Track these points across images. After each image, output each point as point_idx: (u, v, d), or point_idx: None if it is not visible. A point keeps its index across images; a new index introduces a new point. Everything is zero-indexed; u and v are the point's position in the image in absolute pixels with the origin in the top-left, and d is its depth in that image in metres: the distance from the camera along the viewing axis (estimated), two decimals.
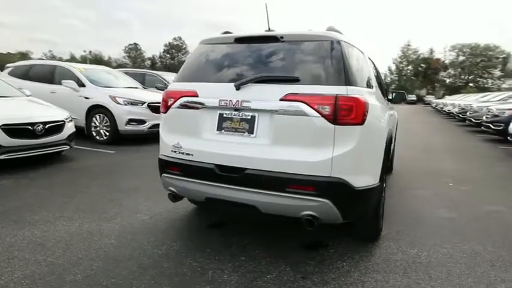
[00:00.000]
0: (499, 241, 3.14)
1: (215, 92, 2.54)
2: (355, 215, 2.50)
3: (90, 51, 73.62)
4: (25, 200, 3.79)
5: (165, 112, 2.81)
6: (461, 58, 58.15)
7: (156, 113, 7.64)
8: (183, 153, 2.63)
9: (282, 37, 2.55)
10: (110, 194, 4.11)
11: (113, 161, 5.96)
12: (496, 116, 9.96)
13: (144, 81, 10.78)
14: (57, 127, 5.46)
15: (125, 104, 7.38)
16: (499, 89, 44.97)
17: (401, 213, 3.81)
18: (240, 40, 2.70)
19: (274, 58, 2.56)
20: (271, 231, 3.22)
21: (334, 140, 2.24)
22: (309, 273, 2.48)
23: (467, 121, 14.17)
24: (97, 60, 68.25)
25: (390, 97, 4.65)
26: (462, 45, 57.40)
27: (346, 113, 2.22)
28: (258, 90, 2.41)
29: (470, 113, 13.73)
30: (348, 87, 2.28)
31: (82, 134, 7.36)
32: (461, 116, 16.15)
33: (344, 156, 2.24)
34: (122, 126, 7.31)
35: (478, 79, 57.50)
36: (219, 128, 2.53)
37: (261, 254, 2.75)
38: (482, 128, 10.84)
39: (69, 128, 5.73)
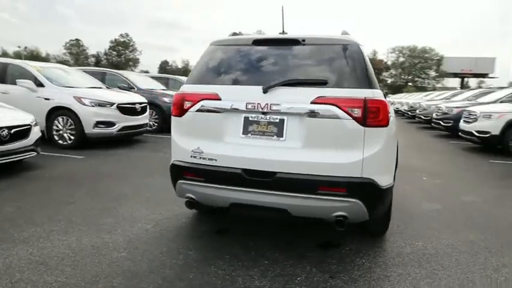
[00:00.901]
0: (485, 229, 3.46)
1: (240, 95, 2.49)
2: (379, 213, 2.60)
3: (26, 47, 67.63)
4: (4, 215, 3.40)
5: (179, 116, 2.69)
6: (401, 59, 62.62)
7: (126, 114, 7.28)
8: (205, 158, 2.54)
9: (303, 40, 2.57)
10: (100, 203, 3.83)
11: (87, 166, 5.56)
12: (445, 113, 10.89)
13: (103, 81, 10.17)
14: (24, 132, 4.96)
15: (92, 106, 6.91)
16: (434, 89, 49.24)
17: (394, 207, 4.02)
18: (258, 42, 2.67)
19: (297, 61, 2.58)
20: (281, 233, 3.24)
21: (364, 142, 2.31)
22: (335, 273, 2.54)
23: (416, 118, 15.31)
24: (33, 56, 62.75)
25: None
26: (402, 47, 61.89)
27: (374, 116, 2.30)
28: (287, 93, 2.40)
29: (419, 111, 14.86)
30: (373, 90, 2.37)
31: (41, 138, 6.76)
32: (410, 113, 17.41)
33: (373, 157, 2.32)
34: (89, 129, 6.84)
35: (416, 79, 62.36)
36: (245, 131, 2.49)
37: (281, 256, 2.75)
38: (432, 124, 11.79)
39: (36, 133, 5.24)
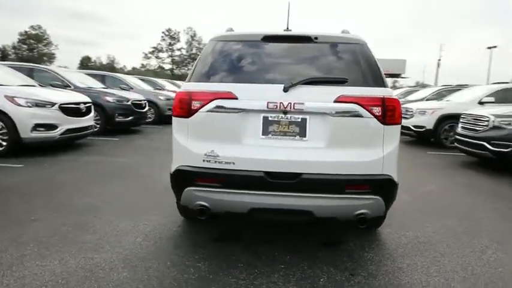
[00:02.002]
0: (456, 214, 3.82)
1: (259, 94, 2.36)
2: (390, 207, 2.69)
3: None
4: None
5: (186, 116, 2.45)
6: None
7: (70, 115, 6.50)
8: (221, 162, 2.36)
9: (316, 38, 2.53)
10: (69, 217, 3.35)
11: (35, 176, 4.82)
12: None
13: (32, 78, 8.96)
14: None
15: (28, 106, 6.02)
16: None
17: None
18: (268, 39, 2.56)
19: (312, 59, 2.53)
20: (281, 235, 3.18)
21: (383, 140, 2.37)
22: (352, 269, 2.57)
23: None
24: None
25: None
26: None
27: (391, 113, 2.37)
28: (308, 92, 2.34)
29: None
30: (387, 89, 2.43)
31: None
32: None
33: (390, 154, 2.39)
34: (26, 134, 5.95)
35: None
36: (265, 132, 2.37)
37: (293, 258, 2.70)
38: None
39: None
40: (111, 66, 68.10)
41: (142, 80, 15.03)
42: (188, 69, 73.83)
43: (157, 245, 2.87)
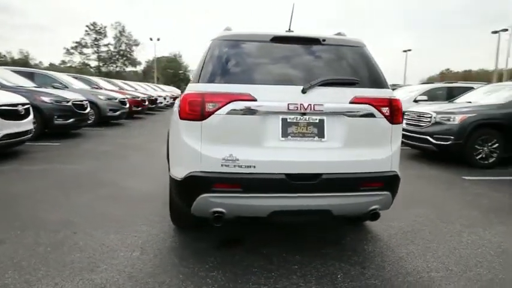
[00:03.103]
0: (423, 203, 4.20)
1: (278, 96, 2.31)
2: None
3: None
4: None
5: (199, 119, 2.31)
6: None
7: (7, 119, 5.69)
8: (240, 166, 2.27)
9: (324, 40, 2.57)
10: (40, 236, 2.96)
11: None
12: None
13: None
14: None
15: None
16: None
17: None
18: (277, 39, 2.53)
19: (322, 61, 2.56)
20: (278, 235, 3.18)
21: (391, 138, 2.50)
22: (361, 263, 2.68)
23: None
24: None
25: None
26: None
27: (397, 113, 2.52)
28: (325, 93, 2.37)
29: None
30: (390, 90, 2.58)
31: None
32: None
33: (396, 152, 2.55)
34: None
35: None
36: (284, 134, 2.34)
37: (304, 258, 2.72)
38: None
39: None
40: (24, 62, 60.62)
41: (75, 77, 13.75)
42: (117, 66, 69.43)
43: (160, 258, 2.67)
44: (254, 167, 2.28)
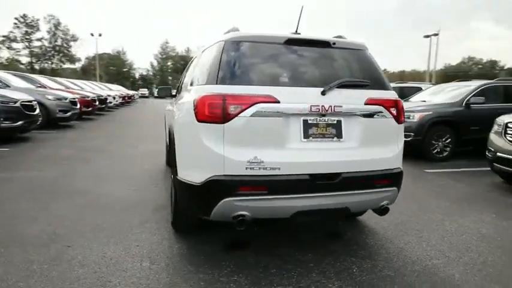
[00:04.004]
0: (403, 197, 4.50)
1: (300, 97, 2.34)
2: None
3: None
4: None
5: (221, 122, 2.26)
6: None
7: None
8: (265, 168, 2.26)
9: (334, 43, 2.64)
10: (29, 252, 2.69)
11: None
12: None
13: None
14: None
15: None
16: None
17: None
18: (291, 42, 2.55)
19: (334, 63, 2.64)
20: (279, 235, 3.22)
21: (398, 137, 2.67)
22: (369, 256, 2.81)
23: None
24: None
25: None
26: None
27: (402, 114, 2.69)
28: (342, 94, 2.45)
29: None
30: (393, 91, 2.74)
31: None
32: None
33: (401, 149, 2.72)
34: None
35: None
36: (306, 135, 2.37)
37: (316, 256, 2.78)
38: None
39: None
40: None
41: (15, 75, 12.46)
42: (53, 63, 64.08)
43: (173, 267, 2.56)
44: (279, 168, 2.29)
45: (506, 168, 4.77)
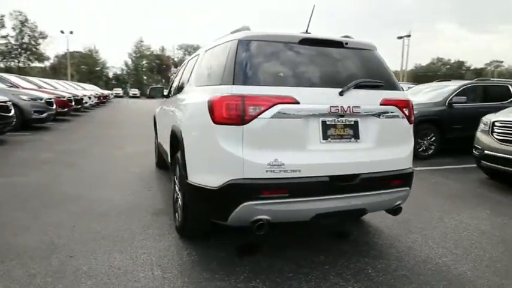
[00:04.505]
0: None
1: (319, 98, 2.31)
2: None
3: None
4: None
5: (240, 124, 2.18)
6: (187, 56, 66.36)
7: None
8: (286, 170, 2.21)
9: (346, 43, 2.63)
10: (27, 264, 2.51)
11: None
12: None
13: None
14: None
15: None
16: None
17: None
18: (305, 41, 2.51)
19: (347, 63, 2.61)
20: (285, 237, 3.19)
21: (409, 137, 2.68)
22: (380, 256, 2.82)
23: None
24: None
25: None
26: (187, 45, 65.70)
27: (412, 114, 2.70)
28: (359, 95, 2.43)
29: None
30: (404, 91, 2.76)
31: None
32: None
33: (412, 149, 2.74)
34: None
35: None
36: (325, 136, 2.34)
37: (328, 258, 2.76)
38: None
39: None
40: None
41: None
42: (20, 61, 61.00)
43: (188, 275, 2.47)
44: (299, 171, 2.24)
45: (494, 165, 4.96)
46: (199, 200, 2.52)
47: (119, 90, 52.18)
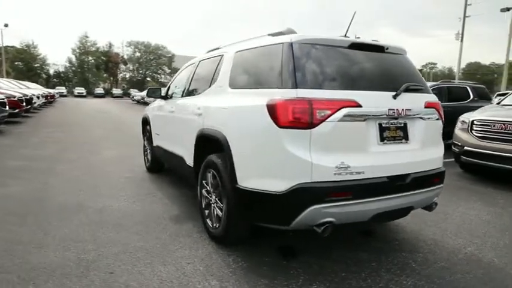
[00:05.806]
0: None
1: (377, 101, 2.39)
2: None
3: None
4: None
5: (307, 127, 2.18)
6: (137, 54, 63.66)
7: None
8: (351, 173, 2.24)
9: (387, 48, 2.73)
10: (71, 287, 2.27)
11: None
12: None
13: None
14: None
15: None
16: None
17: None
18: (354, 46, 2.57)
19: (391, 67, 2.71)
20: (302, 242, 3.23)
21: (441, 137, 2.87)
22: (416, 250, 2.97)
23: None
24: None
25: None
26: (137, 42, 62.90)
27: (442, 115, 2.89)
28: (408, 98, 2.55)
29: None
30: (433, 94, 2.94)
31: None
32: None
33: (443, 148, 2.93)
34: None
35: (154, 74, 65.57)
36: (382, 138, 2.42)
37: (372, 255, 2.84)
38: None
39: None
40: None
41: None
42: None
43: (246, 282, 2.40)
44: (363, 172, 2.30)
45: (473, 160, 5.45)
46: (254, 205, 2.47)
47: (62, 89, 48.30)
